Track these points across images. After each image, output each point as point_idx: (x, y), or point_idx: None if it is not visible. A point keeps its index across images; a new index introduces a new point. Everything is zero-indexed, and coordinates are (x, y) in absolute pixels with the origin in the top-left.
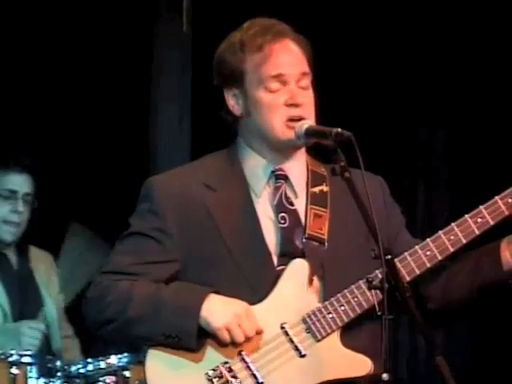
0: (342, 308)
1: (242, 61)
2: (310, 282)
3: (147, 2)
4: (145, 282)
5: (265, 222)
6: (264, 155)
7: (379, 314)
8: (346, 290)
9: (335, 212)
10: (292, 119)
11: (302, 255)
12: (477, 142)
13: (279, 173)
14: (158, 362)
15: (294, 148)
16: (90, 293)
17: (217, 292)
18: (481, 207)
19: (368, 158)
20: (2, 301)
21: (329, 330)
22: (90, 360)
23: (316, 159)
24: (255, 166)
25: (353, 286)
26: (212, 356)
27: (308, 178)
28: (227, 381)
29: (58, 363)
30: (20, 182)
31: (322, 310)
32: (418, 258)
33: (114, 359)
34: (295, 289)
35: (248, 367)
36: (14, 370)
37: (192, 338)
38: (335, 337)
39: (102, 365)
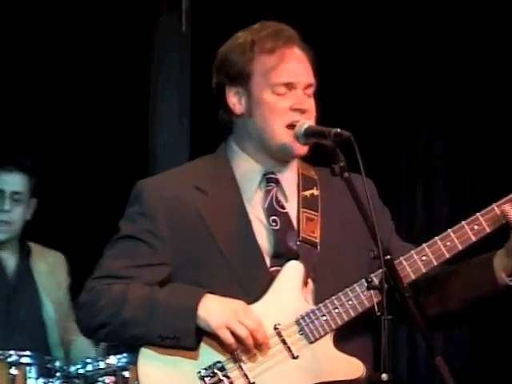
0: (336, 311)
1: (250, 60)
2: (305, 283)
3: (146, 3)
4: (138, 285)
5: (256, 225)
6: (256, 158)
7: (378, 314)
8: (340, 293)
9: (326, 215)
10: (293, 126)
11: (296, 257)
12: (477, 142)
13: (270, 176)
14: (150, 361)
15: (288, 158)
16: (82, 298)
17: (211, 292)
18: (478, 214)
19: (368, 158)
20: None
21: (322, 333)
22: (89, 360)
23: (306, 163)
24: (246, 169)
25: (347, 290)
26: (205, 355)
27: (299, 181)
28: (219, 380)
29: (57, 363)
30: (8, 181)
31: (316, 312)
32: (413, 263)
33: (113, 359)
34: (290, 290)
35: (240, 367)
36: (14, 371)
37: (191, 338)
38: (328, 339)
39: (102, 365)
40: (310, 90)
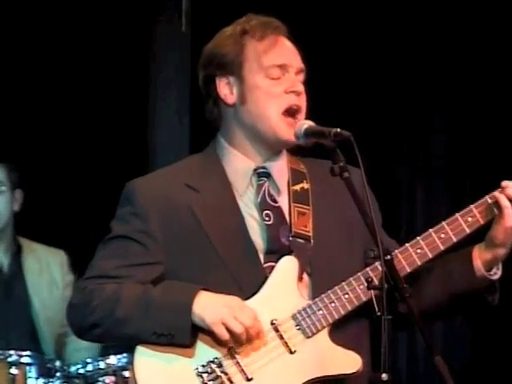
0: (333, 305)
1: (242, 48)
2: (300, 278)
3: (146, 2)
4: (131, 284)
5: (249, 221)
6: (246, 153)
7: (378, 314)
8: (336, 287)
9: (317, 209)
10: (288, 111)
11: (289, 252)
12: (477, 141)
13: (261, 170)
14: (146, 359)
15: (283, 148)
16: (74, 298)
17: (206, 289)
18: (471, 206)
19: (367, 158)
20: None
21: (319, 327)
22: (89, 360)
23: (295, 156)
24: (237, 165)
25: (343, 283)
26: (202, 352)
27: (289, 176)
28: (217, 376)
29: (57, 363)
30: None
31: (313, 306)
32: (408, 256)
33: (113, 359)
34: (285, 285)
35: (237, 363)
36: (14, 370)
37: (186, 335)
38: (325, 333)
39: (102, 365)
40: (301, 77)
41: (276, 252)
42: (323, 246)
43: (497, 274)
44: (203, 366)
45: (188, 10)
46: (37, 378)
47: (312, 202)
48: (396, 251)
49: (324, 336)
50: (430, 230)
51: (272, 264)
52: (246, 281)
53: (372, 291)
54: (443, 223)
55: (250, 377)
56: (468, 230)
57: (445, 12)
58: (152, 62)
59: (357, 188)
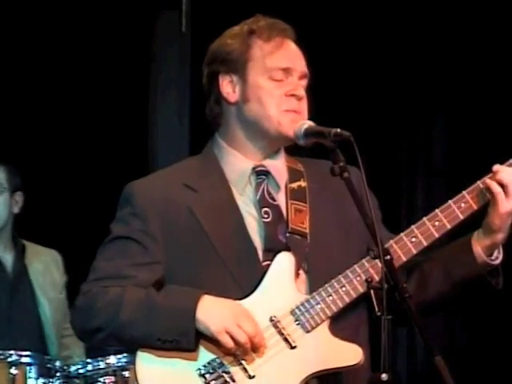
0: (330, 298)
1: (248, 47)
2: (297, 274)
3: (146, 2)
4: (134, 288)
5: (248, 219)
6: (245, 152)
7: (378, 314)
8: (333, 280)
9: (314, 206)
10: (289, 110)
11: (287, 249)
12: (477, 141)
13: (260, 169)
14: (148, 364)
15: (282, 144)
16: (79, 301)
17: (207, 293)
18: (464, 192)
19: (367, 157)
20: None
21: (318, 321)
22: (89, 360)
23: (292, 156)
24: (235, 164)
25: (340, 276)
26: (203, 352)
27: (286, 174)
28: (219, 376)
29: (58, 363)
30: None
31: (311, 300)
32: (404, 245)
33: (113, 359)
34: (282, 281)
35: (239, 361)
36: (14, 371)
37: (190, 340)
38: (325, 327)
39: (102, 365)
40: (304, 82)
41: (274, 249)
42: (320, 243)
43: (498, 258)
44: (205, 366)
45: (188, 10)
46: (37, 378)
47: (309, 200)
48: (391, 241)
49: (324, 330)
50: (424, 218)
51: (270, 262)
52: (245, 279)
53: (372, 290)
54: (436, 211)
55: (252, 374)
56: (462, 216)
57: (445, 13)
58: (152, 62)
59: (356, 187)
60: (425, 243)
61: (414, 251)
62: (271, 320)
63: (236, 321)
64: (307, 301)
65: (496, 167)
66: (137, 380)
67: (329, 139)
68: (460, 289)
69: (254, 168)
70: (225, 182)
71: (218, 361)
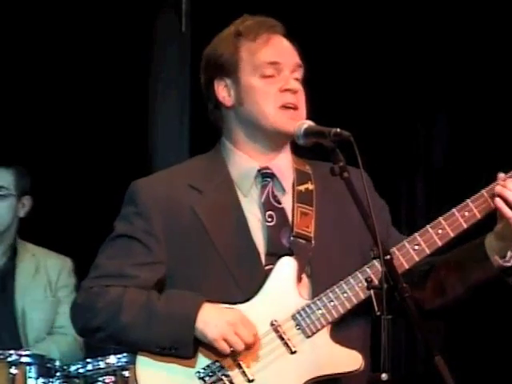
0: (332, 303)
1: (237, 49)
2: (299, 279)
3: (146, 2)
4: (135, 289)
5: (252, 222)
6: (250, 153)
7: (378, 314)
8: (335, 286)
9: (320, 210)
10: (285, 105)
11: (290, 253)
12: (477, 141)
13: (266, 171)
14: (148, 368)
15: (284, 140)
16: (80, 298)
17: (209, 300)
18: (468, 201)
19: (367, 157)
20: None
21: (319, 326)
22: (89, 360)
23: (300, 158)
24: (241, 166)
25: (342, 282)
26: (203, 355)
27: (294, 176)
28: (218, 379)
29: (57, 363)
30: None
31: (312, 306)
32: (406, 253)
33: (113, 359)
34: (284, 286)
35: (239, 365)
36: (13, 370)
37: (188, 349)
38: (326, 333)
39: (101, 365)
40: (298, 74)
41: (277, 254)
42: (324, 248)
43: None
44: (204, 369)
45: (188, 10)
46: (37, 378)
47: (315, 203)
48: (393, 248)
49: (324, 335)
50: (427, 225)
51: (273, 266)
52: (246, 281)
53: (372, 290)
54: (440, 219)
55: (251, 378)
56: (465, 225)
57: (448, 10)
58: (152, 62)
59: (360, 190)
60: (427, 251)
61: (417, 259)
62: (272, 324)
63: (234, 328)
64: (308, 306)
65: (499, 187)
66: (136, 382)
67: (329, 139)
68: (473, 291)
69: (259, 170)
70: (230, 183)
71: (217, 364)
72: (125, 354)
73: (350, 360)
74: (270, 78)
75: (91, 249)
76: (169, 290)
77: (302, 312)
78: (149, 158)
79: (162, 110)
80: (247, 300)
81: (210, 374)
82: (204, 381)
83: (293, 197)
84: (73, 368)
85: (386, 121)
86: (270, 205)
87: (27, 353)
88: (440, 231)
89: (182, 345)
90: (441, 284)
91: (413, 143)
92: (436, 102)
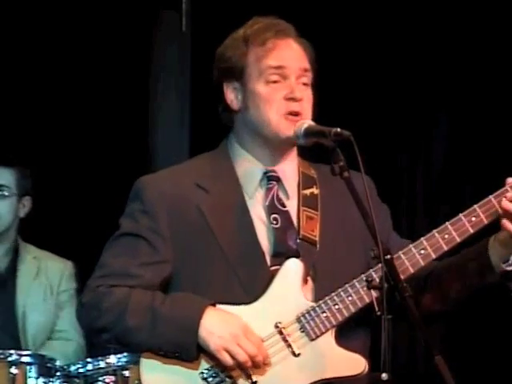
0: (336, 307)
1: (244, 54)
2: (305, 281)
3: (146, 2)
4: (140, 291)
5: (257, 223)
6: (257, 155)
7: (378, 313)
8: (340, 289)
9: (326, 214)
10: (289, 114)
11: (296, 255)
12: (477, 141)
13: (271, 174)
14: (152, 370)
15: (288, 146)
16: (85, 297)
17: (213, 304)
18: (475, 206)
19: (367, 157)
20: None
21: (323, 329)
22: (89, 360)
23: (306, 161)
24: (247, 167)
25: (347, 286)
26: (207, 356)
27: (299, 179)
28: (222, 380)
29: (58, 363)
30: None
31: (317, 309)
32: (412, 257)
33: (113, 359)
34: (289, 288)
35: (242, 367)
36: (14, 370)
37: (191, 353)
38: (330, 336)
39: (102, 364)
40: (306, 78)
41: (283, 255)
42: (329, 251)
43: None
44: (208, 370)
45: (188, 10)
46: (37, 378)
47: (320, 208)
48: (399, 252)
49: (328, 338)
50: (434, 230)
51: (278, 267)
52: (252, 282)
53: (373, 291)
54: (447, 224)
55: (254, 380)
56: (472, 230)
57: (446, 13)
58: (152, 61)
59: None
60: (433, 255)
61: (422, 263)
62: (276, 326)
63: (236, 340)
64: (313, 309)
65: (507, 203)
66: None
67: (329, 139)
68: (476, 294)
69: (265, 173)
70: (236, 183)
71: (221, 365)
72: (125, 354)
73: (354, 364)
74: (274, 83)
75: (92, 250)
76: (174, 293)
77: (307, 315)
78: (149, 158)
79: (162, 109)
80: (252, 301)
81: (214, 375)
82: (207, 382)
83: (298, 200)
84: (73, 368)
85: (386, 121)
86: (274, 208)
87: (27, 352)
88: (446, 236)
89: (185, 349)
90: (442, 289)
91: (413, 143)
92: (436, 102)
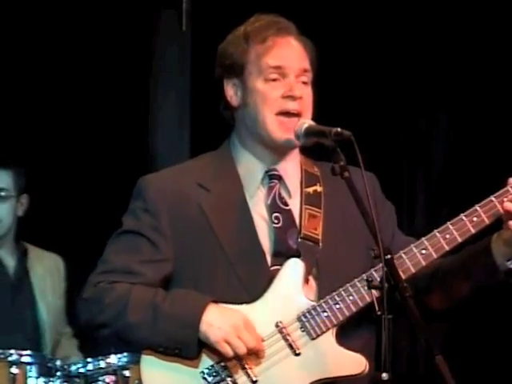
0: (337, 306)
1: (244, 51)
2: (306, 280)
3: (146, 1)
4: (141, 287)
5: (259, 222)
6: (257, 154)
7: (379, 313)
8: (341, 289)
9: (329, 212)
10: (282, 113)
11: (297, 255)
12: (478, 140)
13: (273, 173)
14: (153, 368)
15: (287, 149)
16: (86, 293)
17: (215, 301)
18: (476, 206)
19: (367, 157)
20: None
21: (324, 329)
22: (89, 359)
23: (308, 158)
24: (249, 166)
25: (348, 285)
26: (207, 355)
27: (302, 178)
28: (222, 379)
29: (58, 363)
30: None
31: (317, 308)
32: (413, 257)
33: (113, 359)
34: (290, 287)
35: (242, 366)
36: (14, 370)
37: (192, 349)
38: (330, 335)
39: (102, 364)
40: (305, 77)
41: (283, 254)
42: (331, 250)
43: None
44: (208, 369)
45: (188, 10)
46: (37, 378)
47: (324, 205)
48: (401, 252)
49: (329, 338)
50: (435, 230)
51: (279, 267)
52: (252, 281)
53: (373, 290)
54: (448, 224)
55: (254, 379)
56: (473, 230)
57: (446, 13)
58: (152, 61)
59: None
60: (435, 255)
61: (424, 263)
62: (277, 325)
63: (236, 332)
64: (314, 308)
65: (509, 204)
66: (141, 381)
67: (329, 138)
68: (479, 291)
69: (266, 171)
70: (238, 182)
71: (221, 364)
72: (125, 354)
73: (354, 363)
74: (274, 81)
75: (92, 250)
76: (175, 290)
77: (308, 314)
78: (149, 158)
79: (162, 109)
80: (253, 300)
81: (214, 374)
82: (207, 381)
83: (301, 199)
84: (73, 367)
85: (386, 120)
86: (276, 207)
87: (28, 352)
88: (448, 236)
89: (186, 346)
90: (450, 289)
91: (413, 143)
92: (437, 102)
